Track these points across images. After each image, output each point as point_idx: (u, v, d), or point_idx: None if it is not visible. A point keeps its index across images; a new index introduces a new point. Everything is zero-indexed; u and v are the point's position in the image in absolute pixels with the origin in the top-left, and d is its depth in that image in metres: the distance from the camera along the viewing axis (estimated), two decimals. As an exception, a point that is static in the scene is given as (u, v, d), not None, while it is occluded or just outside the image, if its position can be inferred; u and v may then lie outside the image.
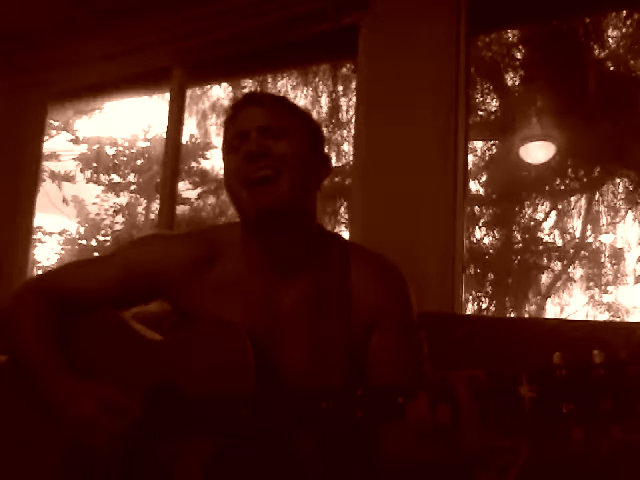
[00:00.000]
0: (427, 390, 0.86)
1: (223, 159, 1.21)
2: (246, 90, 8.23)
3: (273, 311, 1.18)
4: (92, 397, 1.06)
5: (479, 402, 0.83)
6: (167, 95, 2.84)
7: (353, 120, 2.49)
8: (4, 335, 1.21)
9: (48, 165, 8.11)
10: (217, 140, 8.82)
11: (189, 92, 3.00)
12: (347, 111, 6.64)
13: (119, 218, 9.47)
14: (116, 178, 9.28)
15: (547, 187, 6.95)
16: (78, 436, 1.07)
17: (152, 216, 8.81)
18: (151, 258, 1.23)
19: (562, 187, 6.95)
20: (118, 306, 1.23)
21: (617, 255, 7.20)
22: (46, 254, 8.89)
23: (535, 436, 1.05)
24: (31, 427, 1.16)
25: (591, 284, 7.36)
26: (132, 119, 9.05)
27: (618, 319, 7.29)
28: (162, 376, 1.10)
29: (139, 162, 9.31)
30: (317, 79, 6.79)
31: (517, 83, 6.34)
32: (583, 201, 7.07)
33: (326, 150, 1.29)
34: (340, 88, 6.68)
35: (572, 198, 7.07)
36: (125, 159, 9.27)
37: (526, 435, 1.13)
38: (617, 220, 6.93)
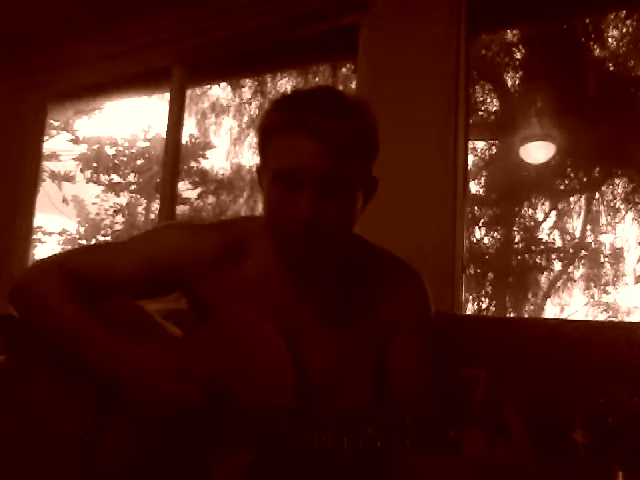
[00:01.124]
0: (481, 426, 0.85)
1: (266, 184, 1.11)
2: (246, 90, 8.23)
3: (298, 315, 1.16)
4: (163, 364, 1.01)
5: (534, 442, 0.82)
6: (167, 95, 2.84)
7: (353, 120, 2.49)
8: (26, 307, 1.16)
9: (48, 165, 8.12)
10: (216, 140, 8.82)
11: (189, 92, 3.01)
12: (347, 111, 6.63)
13: (119, 218, 9.49)
14: (116, 178, 9.30)
15: (547, 187, 6.96)
16: (150, 408, 1.02)
17: (152, 216, 8.82)
18: (175, 248, 1.19)
19: (562, 187, 6.96)
20: (135, 296, 1.18)
21: (617, 255, 7.20)
22: (46, 254, 8.88)
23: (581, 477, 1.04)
24: (34, 425, 1.14)
25: (591, 284, 7.37)
26: (132, 119, 9.07)
27: (618, 319, 7.30)
28: None
29: (139, 162, 9.32)
30: (317, 79, 6.79)
31: (517, 83, 6.35)
32: (583, 201, 7.08)
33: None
34: (340, 88, 6.68)
35: (572, 198, 7.08)
36: (125, 159, 9.29)
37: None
38: (617, 220, 6.94)
